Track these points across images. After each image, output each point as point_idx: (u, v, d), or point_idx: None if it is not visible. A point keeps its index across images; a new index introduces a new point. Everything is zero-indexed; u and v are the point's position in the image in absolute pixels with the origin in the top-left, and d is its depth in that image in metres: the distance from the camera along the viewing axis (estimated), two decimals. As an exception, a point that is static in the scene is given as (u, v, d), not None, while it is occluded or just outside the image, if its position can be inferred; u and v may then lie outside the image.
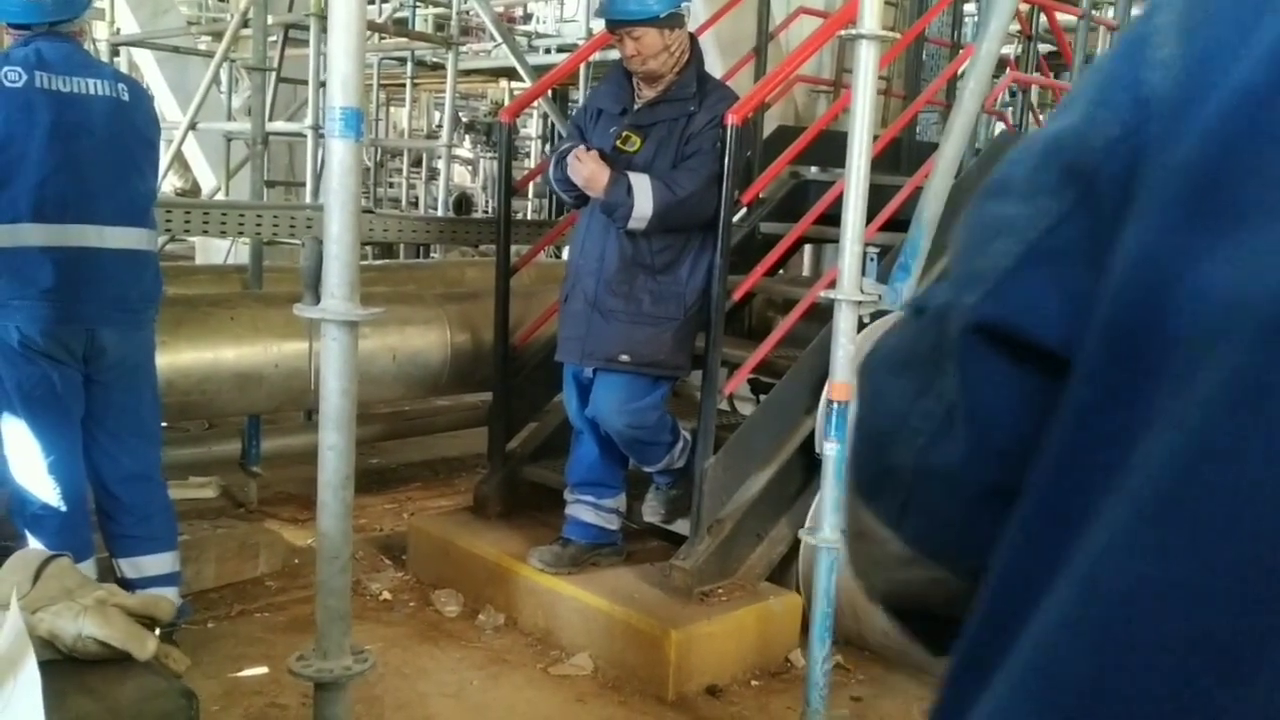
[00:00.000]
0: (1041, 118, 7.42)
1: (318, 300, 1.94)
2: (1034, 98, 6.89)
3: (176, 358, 3.69)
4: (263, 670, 3.28)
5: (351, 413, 1.93)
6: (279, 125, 5.82)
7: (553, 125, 9.25)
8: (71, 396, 2.96)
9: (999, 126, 6.08)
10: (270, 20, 5.45)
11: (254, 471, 4.59)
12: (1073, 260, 0.55)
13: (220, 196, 6.39)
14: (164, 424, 3.52)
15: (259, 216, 4.18)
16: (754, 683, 3.42)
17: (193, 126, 5.76)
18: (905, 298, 3.32)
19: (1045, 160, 0.59)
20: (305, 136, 5.50)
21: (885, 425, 0.65)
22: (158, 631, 1.67)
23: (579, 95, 6.37)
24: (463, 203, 11.69)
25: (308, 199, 5.62)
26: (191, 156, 8.33)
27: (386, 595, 3.91)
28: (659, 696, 3.27)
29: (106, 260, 2.95)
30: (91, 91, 2.94)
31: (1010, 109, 7.31)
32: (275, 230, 4.24)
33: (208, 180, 8.16)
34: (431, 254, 8.50)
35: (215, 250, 7.08)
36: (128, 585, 3.01)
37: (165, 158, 5.93)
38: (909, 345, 0.65)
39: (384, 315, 2.06)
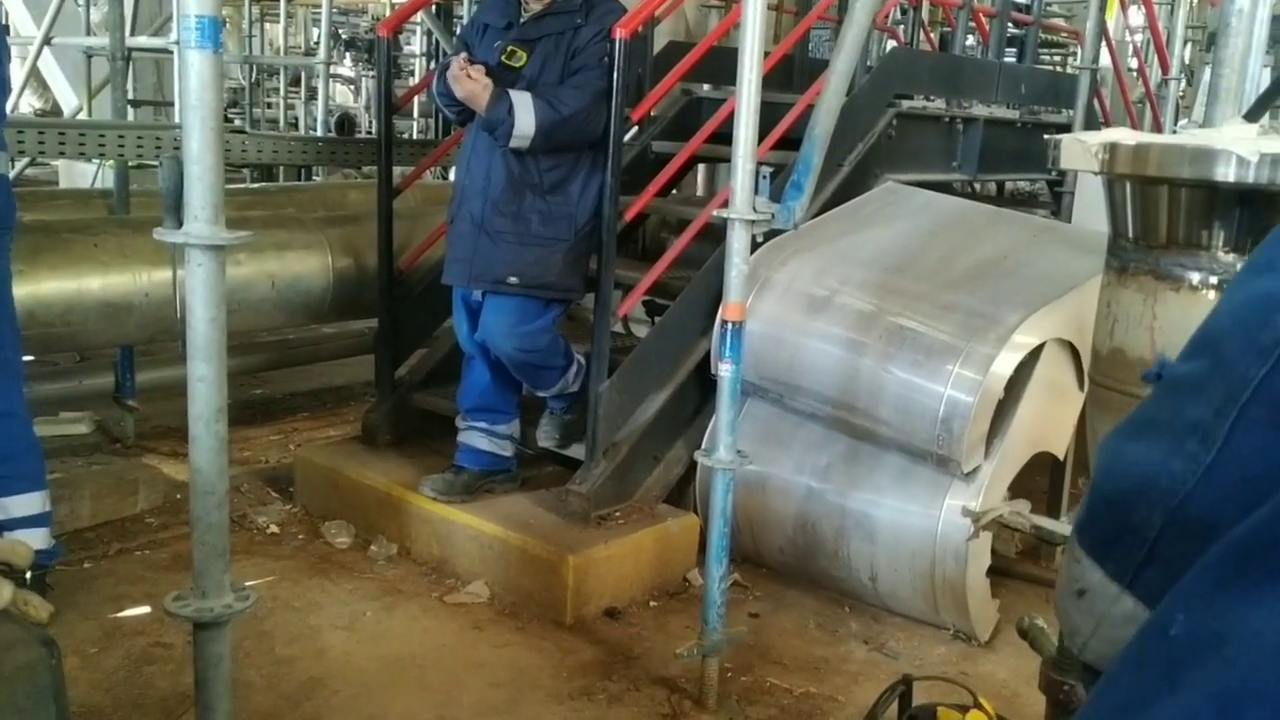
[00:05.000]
0: (932, 35, 7.46)
1: (180, 224, 1.82)
2: (924, 14, 6.91)
3: (37, 287, 3.51)
4: (145, 610, 3.17)
5: (221, 342, 1.82)
6: (142, 40, 5.50)
7: (436, 42, 8.95)
8: (-80, 330, 2.76)
9: (890, 43, 6.07)
10: (128, -75, 5.10)
11: (129, 405, 4.41)
12: None
13: (83, 117, 6.03)
14: (28, 357, 3.32)
15: (121, 137, 3.95)
16: (652, 603, 3.44)
17: (48, 41, 5.40)
18: (798, 217, 3.29)
19: None
20: (171, 53, 5.19)
21: (1128, 485, 0.68)
22: (29, 577, 1.57)
23: (463, 11, 6.15)
24: (345, 123, 11.28)
25: (177, 119, 5.34)
26: (49, 74, 7.86)
27: (274, 529, 3.81)
28: (557, 621, 3.26)
29: (-49, 183, 2.74)
30: (-75, -1, 2.70)
31: (902, 26, 7.32)
32: (140, 152, 4.01)
33: (69, 100, 7.71)
34: (314, 177, 8.19)
35: (80, 175, 6.70)
36: (-7, 528, 2.87)
37: (19, 75, 5.57)
38: (1152, 412, 0.69)
39: (256, 239, 1.95)
